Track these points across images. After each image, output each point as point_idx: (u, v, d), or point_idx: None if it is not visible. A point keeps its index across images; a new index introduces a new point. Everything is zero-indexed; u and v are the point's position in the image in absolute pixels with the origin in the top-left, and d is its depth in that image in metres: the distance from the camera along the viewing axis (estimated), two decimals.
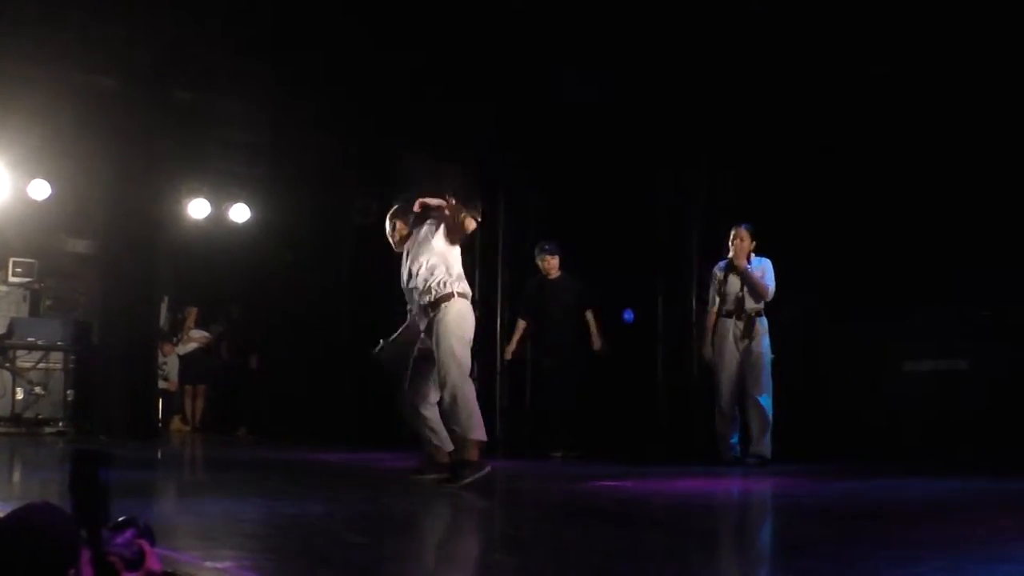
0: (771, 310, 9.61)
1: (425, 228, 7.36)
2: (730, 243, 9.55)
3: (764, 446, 9.19)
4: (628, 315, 11.69)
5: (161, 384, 15.21)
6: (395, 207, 7.72)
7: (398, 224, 7.62)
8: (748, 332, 9.37)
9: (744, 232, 9.50)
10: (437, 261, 7.17)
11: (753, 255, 9.49)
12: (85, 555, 2.58)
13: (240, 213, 14.93)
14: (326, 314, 14.31)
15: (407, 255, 7.42)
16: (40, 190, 13.14)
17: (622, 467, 9.11)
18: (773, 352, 9.35)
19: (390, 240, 7.66)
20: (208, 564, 3.84)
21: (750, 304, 9.40)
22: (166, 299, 15.41)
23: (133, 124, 12.60)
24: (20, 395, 13.14)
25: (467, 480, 6.87)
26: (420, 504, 6.58)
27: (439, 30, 11.00)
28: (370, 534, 5.04)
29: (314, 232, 14.35)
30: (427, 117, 12.16)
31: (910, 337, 9.74)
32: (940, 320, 9.47)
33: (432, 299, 7.10)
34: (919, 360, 9.70)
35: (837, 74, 9.69)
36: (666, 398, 11.00)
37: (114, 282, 13.06)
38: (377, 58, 11.83)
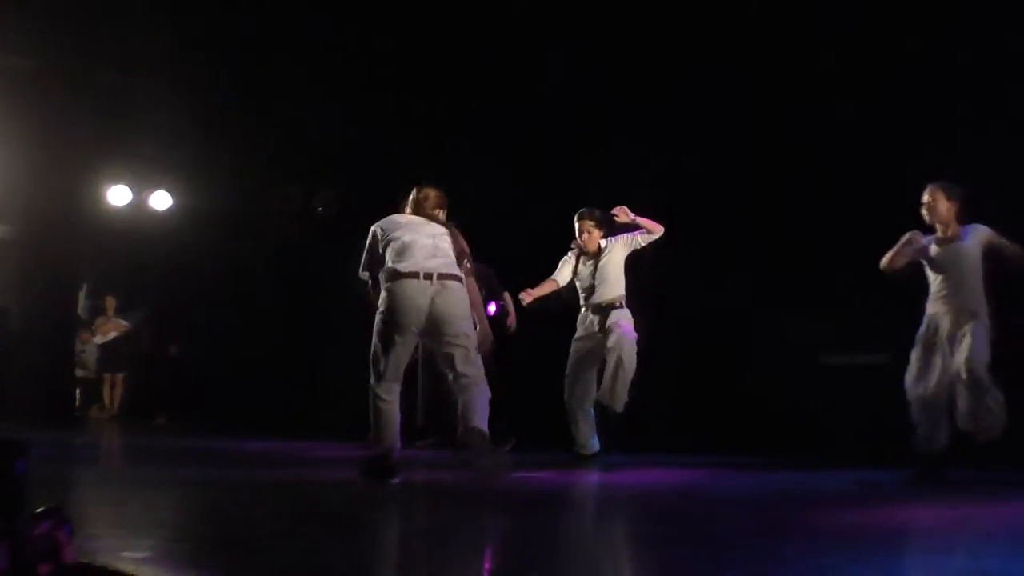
0: (692, 299, 9.66)
1: None
2: (577, 236, 8.61)
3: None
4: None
5: (79, 372, 15.06)
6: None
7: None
8: (603, 326, 8.41)
9: (589, 224, 8.57)
10: None
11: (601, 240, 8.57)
12: (1, 545, 2.58)
13: (161, 200, 14.79)
14: (248, 302, 14.24)
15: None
16: None
17: (541, 457, 9.15)
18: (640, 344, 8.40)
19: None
20: (126, 554, 3.83)
21: (605, 295, 8.45)
22: (85, 286, 15.24)
23: (52, 107, 12.44)
24: None
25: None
26: (342, 493, 6.60)
27: (369, 12, 11.02)
28: (290, 522, 5.05)
29: (237, 220, 14.26)
30: (357, 103, 12.12)
31: (830, 330, 9.83)
32: (862, 314, 9.54)
33: None
34: (839, 353, 9.79)
35: (768, 71, 9.79)
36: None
37: (32, 268, 12.90)
38: (304, 41, 11.80)
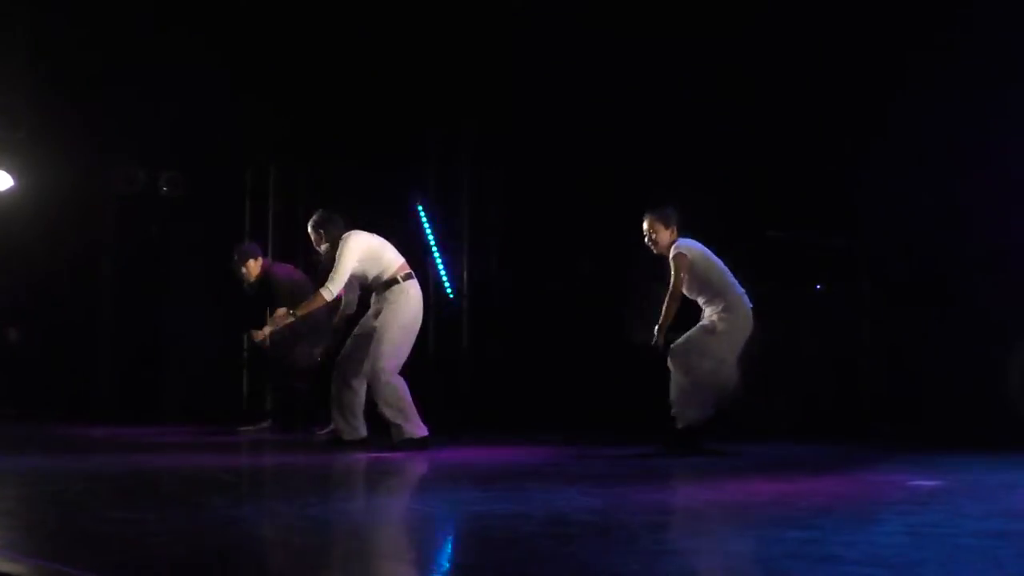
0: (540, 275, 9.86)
1: None
2: None
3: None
4: None
5: None
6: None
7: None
8: None
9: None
10: None
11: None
12: None
13: (0, 180, 14.39)
14: (91, 285, 14.01)
15: None
16: None
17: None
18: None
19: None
20: None
21: None
22: None
23: None
24: None
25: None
26: (188, 479, 6.58)
27: None
28: (133, 509, 5.03)
29: (80, 200, 13.98)
30: (203, 85, 11.99)
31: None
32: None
33: None
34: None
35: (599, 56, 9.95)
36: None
37: None
38: (148, 19, 11.65)
